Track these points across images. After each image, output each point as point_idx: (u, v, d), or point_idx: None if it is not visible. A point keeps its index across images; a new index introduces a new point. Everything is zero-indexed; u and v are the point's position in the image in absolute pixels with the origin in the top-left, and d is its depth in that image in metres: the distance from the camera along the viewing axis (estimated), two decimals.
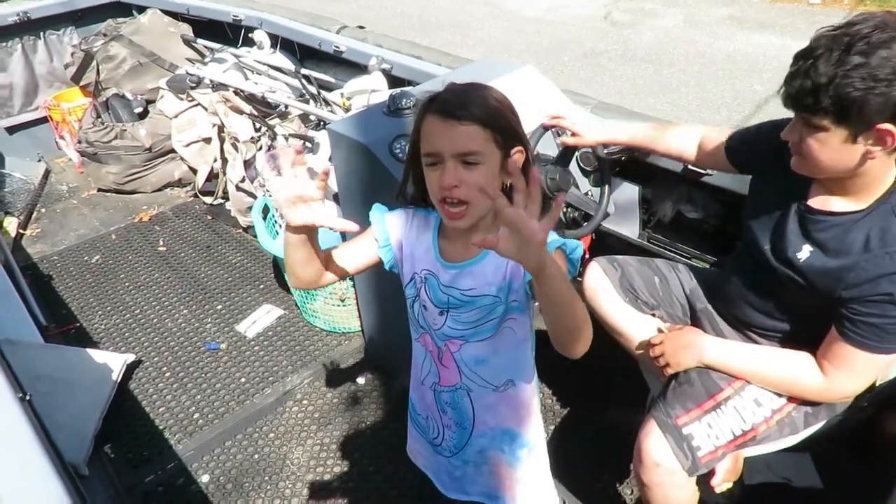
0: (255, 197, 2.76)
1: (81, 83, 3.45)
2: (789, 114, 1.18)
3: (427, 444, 1.29)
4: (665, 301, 1.58)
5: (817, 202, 1.23)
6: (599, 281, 1.58)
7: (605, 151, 1.88)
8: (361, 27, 3.16)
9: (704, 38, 6.59)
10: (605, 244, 2.16)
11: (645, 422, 1.37)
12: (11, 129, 3.61)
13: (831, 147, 1.10)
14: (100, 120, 3.20)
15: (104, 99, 3.28)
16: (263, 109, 2.92)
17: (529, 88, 2.00)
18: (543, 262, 0.78)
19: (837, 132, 1.08)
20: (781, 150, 1.23)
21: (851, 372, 1.21)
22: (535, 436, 1.24)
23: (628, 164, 1.97)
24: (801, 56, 1.09)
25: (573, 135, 1.73)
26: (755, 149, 1.40)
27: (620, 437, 1.60)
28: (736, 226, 1.62)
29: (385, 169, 1.68)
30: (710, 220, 1.94)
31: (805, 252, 1.22)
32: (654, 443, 1.32)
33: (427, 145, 0.97)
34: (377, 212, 1.16)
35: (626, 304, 1.55)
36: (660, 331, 1.52)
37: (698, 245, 1.98)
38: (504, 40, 7.03)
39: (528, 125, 1.92)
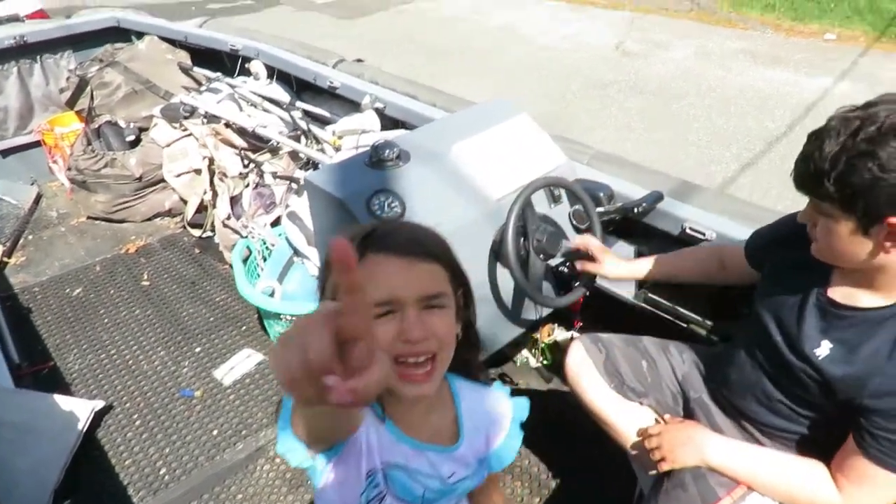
0: (241, 235, 2.67)
1: (76, 108, 3.40)
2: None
3: None
4: (654, 387, 1.46)
5: (840, 294, 1.11)
6: (583, 363, 1.47)
7: (600, 210, 1.78)
8: (360, 60, 3.09)
9: (716, 72, 6.49)
10: (599, 304, 2.05)
11: None
12: (5, 153, 3.56)
13: (841, 236, 1.00)
14: (90, 147, 3.14)
15: (96, 126, 3.22)
16: (255, 143, 2.85)
17: (522, 137, 1.89)
18: None
19: (845, 222, 0.98)
20: (802, 234, 1.12)
21: (871, 491, 1.07)
22: None
23: (623, 222, 1.86)
24: (812, 136, 0.99)
25: (593, 258, 1.63)
26: (774, 243, 1.29)
27: None
28: (738, 290, 1.51)
29: None
30: (710, 284, 1.83)
31: (825, 349, 1.09)
32: None
33: (379, 291, 0.77)
34: None
35: (612, 391, 1.43)
36: (657, 421, 1.39)
37: (697, 309, 1.86)
38: (516, 68, 6.97)
39: (521, 174, 1.82)
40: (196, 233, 3.12)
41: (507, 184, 1.77)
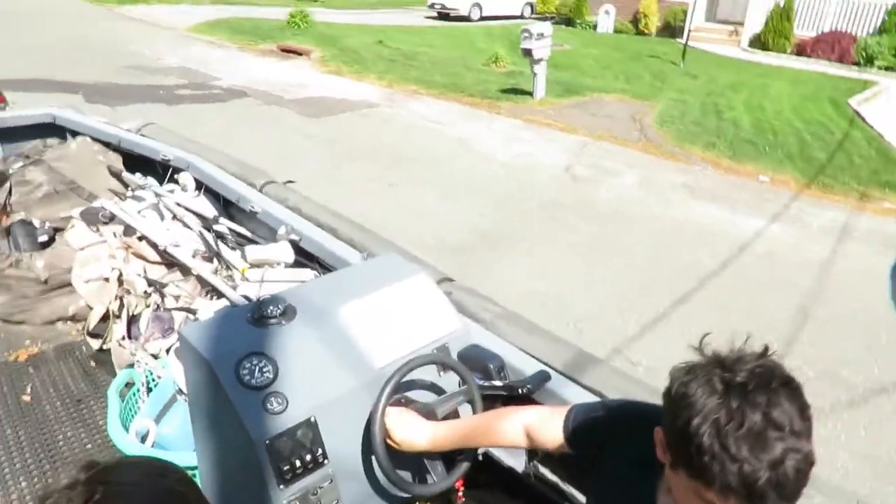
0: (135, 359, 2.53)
1: None
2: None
3: None
4: None
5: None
6: None
7: (486, 384, 1.72)
8: (291, 181, 3.09)
9: (658, 203, 6.78)
10: (487, 474, 1.95)
11: None
12: None
13: None
14: None
15: (7, 224, 3.11)
16: (168, 258, 2.77)
17: (418, 299, 1.86)
18: None
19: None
20: (634, 427, 1.09)
21: None
22: None
23: (512, 398, 1.80)
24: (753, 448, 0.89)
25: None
26: (606, 436, 1.25)
27: None
28: None
29: (225, 395, 1.49)
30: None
31: None
32: None
33: None
34: None
35: None
36: None
37: (584, 486, 1.78)
38: (468, 180, 7.17)
39: (410, 340, 1.77)
40: (95, 344, 2.95)
41: (393, 351, 1.70)
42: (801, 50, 14.99)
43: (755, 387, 0.89)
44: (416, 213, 6.09)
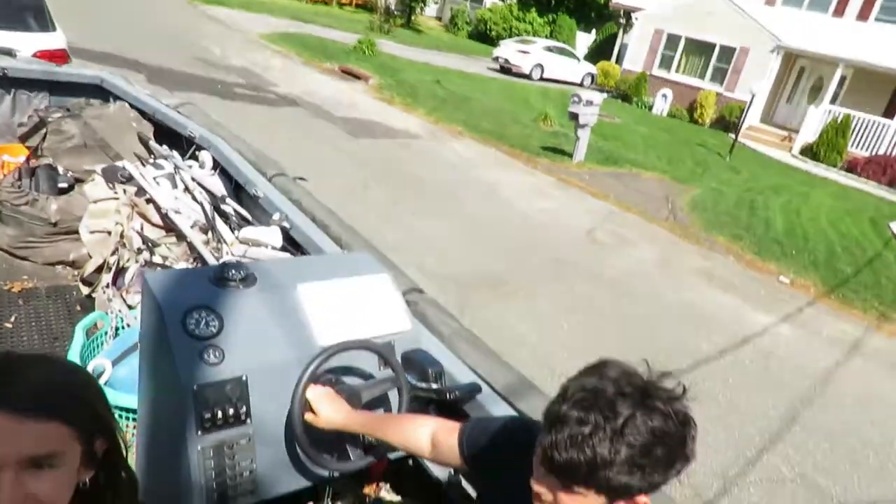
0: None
1: (27, 143, 3.50)
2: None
3: None
4: None
5: None
6: None
7: (421, 385, 1.77)
8: (302, 178, 3.22)
9: (670, 282, 6.75)
10: (415, 482, 1.97)
11: None
12: None
13: None
14: (19, 182, 3.19)
15: (34, 166, 3.29)
16: (168, 223, 2.90)
17: (375, 296, 1.92)
18: None
19: (597, 499, 0.98)
20: (523, 445, 1.11)
21: None
22: None
23: (444, 404, 1.83)
24: (568, 421, 0.96)
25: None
26: (499, 452, 1.27)
27: None
28: None
29: (167, 339, 1.56)
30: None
31: None
32: None
33: None
34: None
35: None
36: None
37: None
38: (491, 222, 7.27)
39: (357, 329, 1.80)
40: (85, 290, 3.07)
41: (337, 334, 1.75)
42: (851, 167, 14.92)
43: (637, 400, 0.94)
44: (428, 243, 6.19)
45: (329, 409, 1.54)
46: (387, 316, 1.90)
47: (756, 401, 4.75)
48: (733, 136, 14.71)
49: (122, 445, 0.89)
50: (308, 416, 1.55)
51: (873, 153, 15.20)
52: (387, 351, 1.73)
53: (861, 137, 15.51)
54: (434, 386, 1.78)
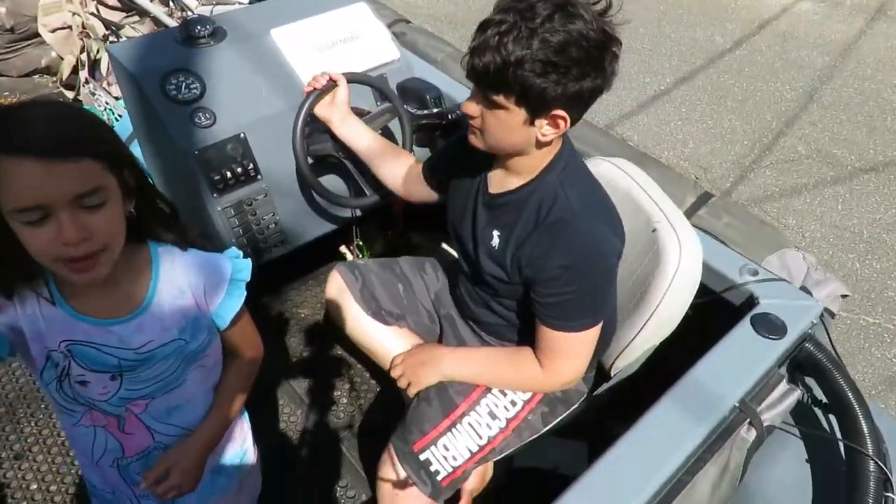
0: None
1: None
2: None
3: None
4: (410, 309, 1.50)
5: (495, 184, 1.19)
6: (340, 292, 1.49)
7: (420, 113, 1.73)
8: None
9: None
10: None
11: (384, 450, 1.31)
12: None
13: (509, 126, 1.04)
14: None
15: None
16: (125, 2, 2.67)
17: (356, 27, 1.79)
18: None
19: (517, 112, 1.02)
20: (470, 152, 1.16)
21: (559, 356, 1.17)
22: (243, 452, 1.18)
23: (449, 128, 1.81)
24: (487, 26, 0.99)
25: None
26: (448, 161, 1.34)
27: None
28: None
29: (152, 109, 1.52)
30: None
31: (495, 239, 1.17)
32: (392, 472, 1.27)
33: (22, 199, 0.71)
34: None
35: (369, 317, 1.46)
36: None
37: None
38: None
39: (343, 66, 1.72)
40: (70, 95, 2.98)
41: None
42: None
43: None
44: None
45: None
46: (371, 47, 1.80)
47: (772, 87, 4.63)
48: None
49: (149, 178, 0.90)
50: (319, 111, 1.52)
51: None
52: (380, 82, 1.67)
53: None
54: (434, 110, 1.74)
